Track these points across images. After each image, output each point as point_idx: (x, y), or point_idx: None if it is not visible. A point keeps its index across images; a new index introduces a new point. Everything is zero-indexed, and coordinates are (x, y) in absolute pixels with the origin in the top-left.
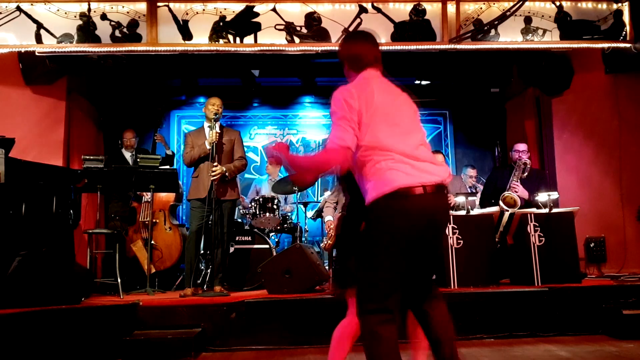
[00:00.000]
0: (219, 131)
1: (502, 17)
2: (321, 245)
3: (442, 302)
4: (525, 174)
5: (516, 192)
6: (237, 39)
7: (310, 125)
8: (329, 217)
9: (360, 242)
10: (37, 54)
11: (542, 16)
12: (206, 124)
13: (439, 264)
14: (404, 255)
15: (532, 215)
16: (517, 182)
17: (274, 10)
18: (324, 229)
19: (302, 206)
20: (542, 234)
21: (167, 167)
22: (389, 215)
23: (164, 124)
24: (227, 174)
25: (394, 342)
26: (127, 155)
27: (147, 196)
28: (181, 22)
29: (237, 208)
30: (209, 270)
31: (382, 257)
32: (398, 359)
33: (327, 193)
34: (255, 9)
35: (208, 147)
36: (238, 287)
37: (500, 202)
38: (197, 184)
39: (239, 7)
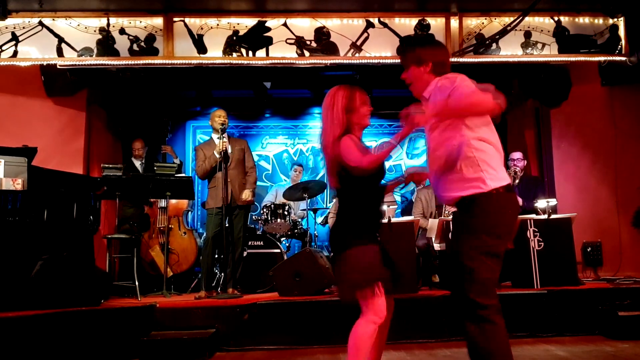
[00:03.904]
0: (225, 140)
1: (503, 32)
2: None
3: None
4: (517, 181)
5: None
6: (250, 53)
7: (319, 134)
8: None
9: (464, 231)
10: (58, 66)
11: (541, 31)
12: (214, 135)
13: None
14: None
15: (532, 221)
16: None
17: (285, 25)
18: None
19: (312, 212)
20: (541, 239)
21: (183, 175)
22: (507, 206)
23: (169, 135)
24: (253, 192)
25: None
26: (137, 163)
27: (160, 203)
28: (196, 37)
29: (250, 214)
30: (222, 274)
31: (498, 245)
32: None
33: (335, 201)
34: (267, 24)
35: (217, 156)
36: (250, 290)
37: None
38: (215, 194)
39: (252, 22)
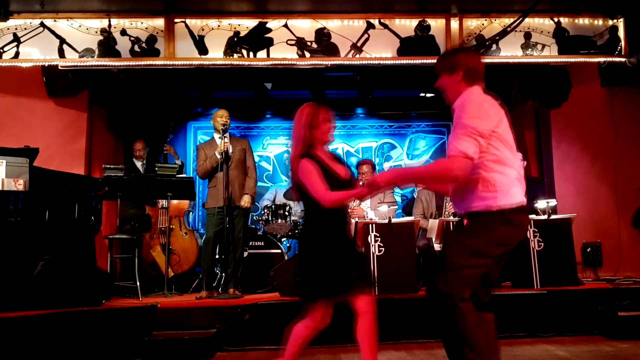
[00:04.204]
0: (227, 141)
1: (503, 33)
2: None
3: (493, 316)
4: None
5: None
6: (251, 54)
7: None
8: None
9: (466, 239)
10: (60, 67)
11: (541, 32)
12: (216, 135)
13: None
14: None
15: (532, 221)
16: None
17: (285, 26)
18: None
19: None
20: (541, 240)
21: (184, 175)
22: (509, 228)
23: (171, 136)
24: (252, 199)
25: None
26: (138, 164)
27: (162, 203)
28: (197, 38)
29: (250, 214)
30: (223, 274)
31: (485, 260)
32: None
33: None
34: (267, 25)
35: (218, 156)
36: (251, 290)
37: None
38: (215, 194)
39: (253, 23)
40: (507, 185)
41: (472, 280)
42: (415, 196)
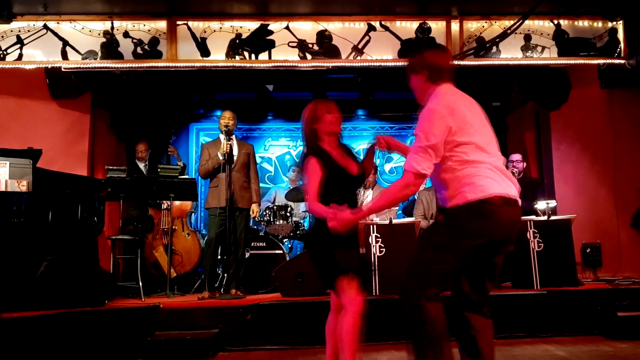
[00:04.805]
0: (229, 142)
1: (503, 35)
2: None
3: (489, 322)
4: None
5: None
6: (253, 56)
7: None
8: None
9: (433, 233)
10: (63, 69)
11: (541, 34)
12: (221, 136)
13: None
14: (469, 258)
15: (532, 222)
16: None
17: (287, 28)
18: None
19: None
20: (541, 240)
21: (186, 176)
22: (478, 219)
23: (173, 137)
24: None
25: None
26: (141, 165)
27: (165, 204)
28: (199, 40)
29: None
30: (225, 275)
31: (452, 255)
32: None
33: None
34: (269, 27)
35: (221, 158)
36: (253, 291)
37: None
38: (216, 194)
39: (254, 25)
40: (477, 179)
41: (438, 277)
42: (416, 197)
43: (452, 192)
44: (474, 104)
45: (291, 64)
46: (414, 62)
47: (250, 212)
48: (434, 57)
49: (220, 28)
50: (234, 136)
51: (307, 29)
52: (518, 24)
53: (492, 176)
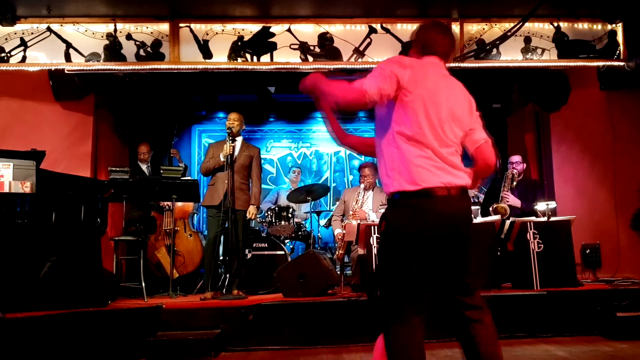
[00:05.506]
0: (232, 144)
1: (503, 37)
2: (334, 257)
3: (487, 315)
4: (514, 183)
5: (507, 201)
6: (254, 58)
7: (323, 138)
8: (338, 230)
9: (380, 244)
10: (66, 72)
11: (541, 36)
12: (228, 137)
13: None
14: (421, 260)
15: (532, 223)
16: (508, 192)
17: (289, 30)
18: (335, 240)
19: (315, 215)
20: (541, 241)
21: (188, 178)
22: (411, 214)
23: (176, 139)
24: (258, 208)
25: (419, 348)
26: (143, 167)
27: (167, 205)
28: (202, 42)
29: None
30: (227, 275)
31: (399, 262)
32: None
33: (338, 203)
34: (271, 30)
35: (222, 159)
36: (255, 291)
37: (491, 211)
38: (212, 192)
39: (256, 27)
40: (409, 164)
41: (403, 288)
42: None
43: (387, 172)
44: (455, 85)
45: (293, 66)
46: (414, 35)
47: (247, 214)
48: (431, 34)
49: (223, 30)
50: (239, 138)
51: (308, 31)
52: (518, 26)
53: (438, 165)
